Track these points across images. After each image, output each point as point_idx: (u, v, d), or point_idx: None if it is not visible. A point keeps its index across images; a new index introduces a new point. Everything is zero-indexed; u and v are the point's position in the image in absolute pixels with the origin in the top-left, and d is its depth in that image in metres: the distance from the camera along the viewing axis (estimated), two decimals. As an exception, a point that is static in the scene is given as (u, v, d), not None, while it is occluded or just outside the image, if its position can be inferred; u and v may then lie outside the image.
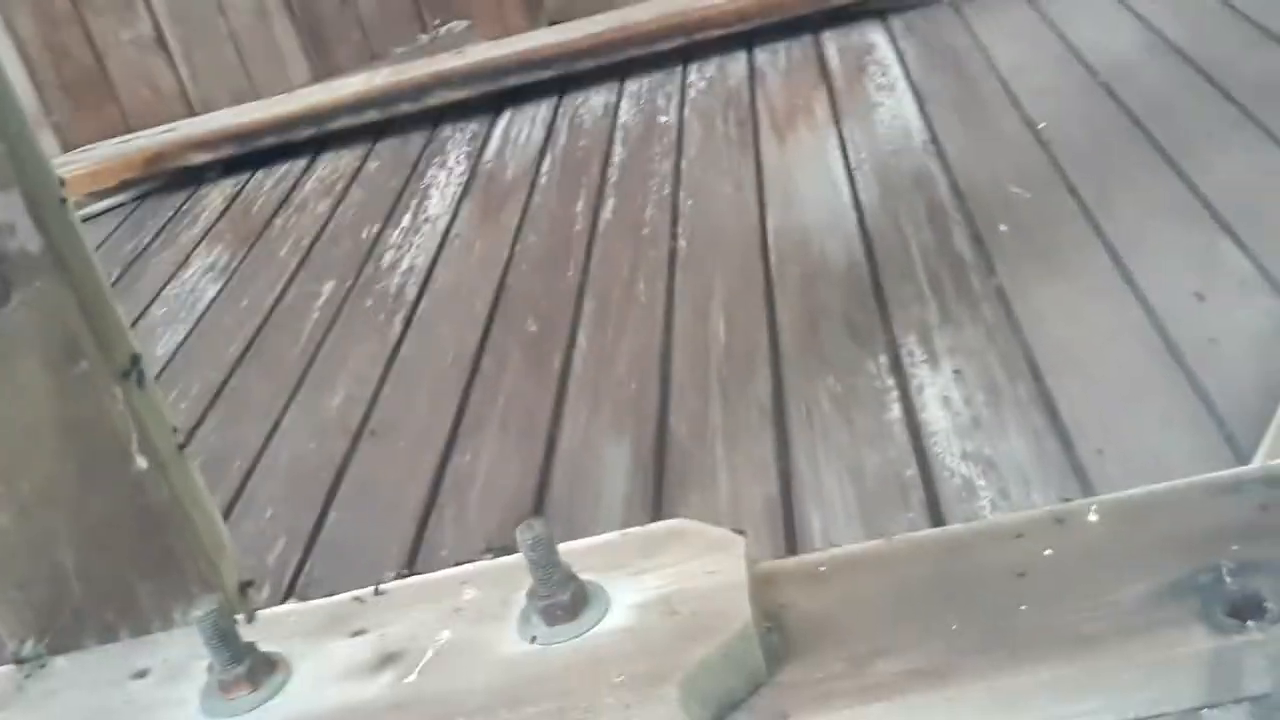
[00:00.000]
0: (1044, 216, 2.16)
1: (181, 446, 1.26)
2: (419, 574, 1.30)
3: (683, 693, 1.01)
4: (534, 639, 1.11)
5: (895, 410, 1.72)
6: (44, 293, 1.15)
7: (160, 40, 4.10)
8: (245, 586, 1.29)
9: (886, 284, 2.08)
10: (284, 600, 1.60)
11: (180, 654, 1.22)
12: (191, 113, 4.11)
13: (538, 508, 1.76)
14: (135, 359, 1.21)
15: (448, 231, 2.88)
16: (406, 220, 3.01)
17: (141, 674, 1.22)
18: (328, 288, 2.76)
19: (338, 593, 1.28)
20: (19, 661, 1.27)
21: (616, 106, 3.35)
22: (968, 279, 2.02)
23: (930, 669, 1.04)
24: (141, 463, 1.21)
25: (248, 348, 2.58)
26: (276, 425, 2.22)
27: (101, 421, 1.20)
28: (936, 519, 1.48)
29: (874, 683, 1.04)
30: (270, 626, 1.22)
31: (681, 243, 2.47)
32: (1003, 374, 1.75)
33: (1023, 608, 1.07)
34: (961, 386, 1.74)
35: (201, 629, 1.11)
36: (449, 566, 1.29)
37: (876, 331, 1.93)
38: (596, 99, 3.44)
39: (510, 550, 1.27)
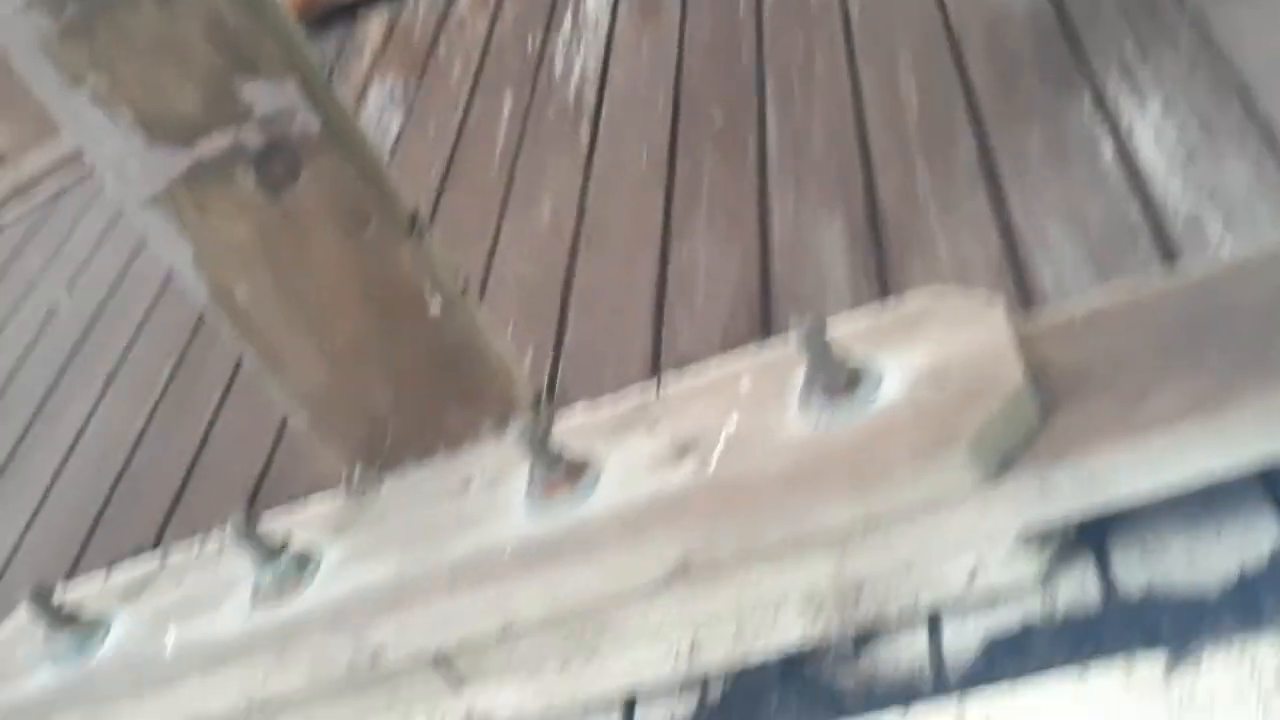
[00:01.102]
0: (1232, -72, 2.09)
1: (464, 287, 1.38)
2: (663, 371, 1.41)
3: (969, 453, 1.11)
4: (817, 421, 1.21)
5: (1107, 152, 1.74)
6: (328, 167, 1.27)
7: (290, -125, 4.12)
8: (537, 398, 1.43)
9: (1075, 23, 2.05)
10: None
11: (495, 465, 1.37)
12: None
13: (764, 295, 1.85)
14: (414, 215, 1.33)
15: (611, 31, 2.90)
16: (568, 25, 3.05)
17: (464, 487, 1.37)
18: (507, 103, 2.84)
19: (596, 396, 1.41)
20: (352, 488, 1.44)
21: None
22: (1160, 6, 1.98)
23: (1197, 402, 1.10)
24: (435, 307, 1.34)
25: (446, 172, 2.70)
26: (494, 244, 2.34)
27: (396, 276, 1.32)
28: (1166, 256, 1.52)
29: (1144, 420, 1.12)
30: (571, 431, 1.35)
31: (852, 9, 2.45)
32: (1212, 101, 1.74)
33: (1282, 335, 1.13)
34: (1171, 119, 1.74)
35: (520, 440, 1.25)
36: (690, 361, 1.40)
37: (1074, 74, 1.93)
38: None
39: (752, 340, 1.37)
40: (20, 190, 3.64)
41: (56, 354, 2.84)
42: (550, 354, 1.96)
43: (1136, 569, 1.13)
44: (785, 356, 1.28)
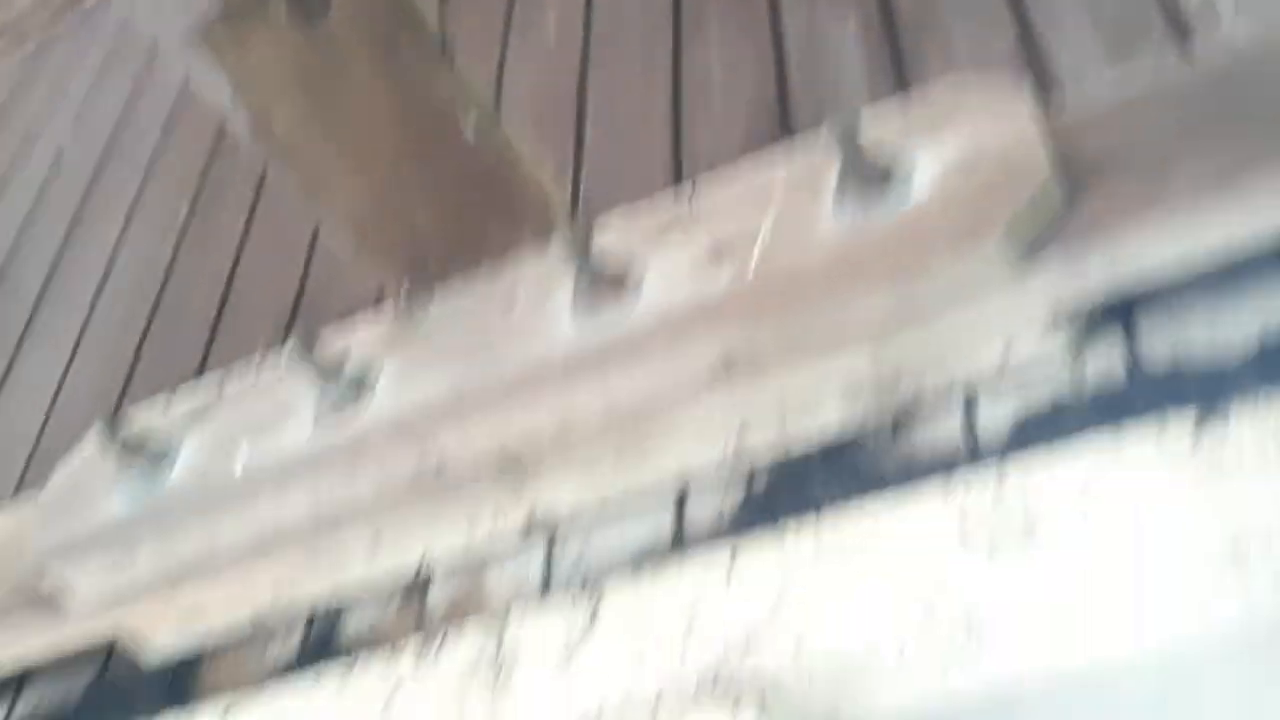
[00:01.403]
0: None
1: (495, 108, 1.41)
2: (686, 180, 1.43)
3: (1001, 241, 1.16)
4: (852, 217, 1.26)
5: (1119, -68, 1.73)
6: (357, -3, 1.28)
7: None
8: (573, 212, 1.47)
9: None
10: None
11: (539, 279, 1.42)
12: None
13: (781, 96, 1.87)
14: (443, 39, 1.35)
15: None
16: None
17: (510, 301, 1.42)
18: (496, -88, 2.78)
19: (621, 207, 1.45)
20: (401, 307, 1.49)
21: None
22: None
23: (1217, 177, 1.15)
24: (469, 127, 1.37)
25: (444, -9, 2.67)
26: (502, 62, 2.34)
27: (431, 100, 1.35)
28: (1180, 37, 1.54)
29: (1166, 197, 1.16)
30: (610, 242, 1.39)
31: None
32: (1223, -126, 1.73)
33: (1301, 110, 1.16)
34: (1181, -105, 1.73)
35: (562, 254, 1.30)
36: (713, 168, 1.43)
37: None
38: None
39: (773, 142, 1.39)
40: (11, 28, 3.59)
41: (71, 193, 2.86)
42: (571, 169, 1.99)
43: (1162, 341, 1.19)
44: (817, 156, 1.31)
